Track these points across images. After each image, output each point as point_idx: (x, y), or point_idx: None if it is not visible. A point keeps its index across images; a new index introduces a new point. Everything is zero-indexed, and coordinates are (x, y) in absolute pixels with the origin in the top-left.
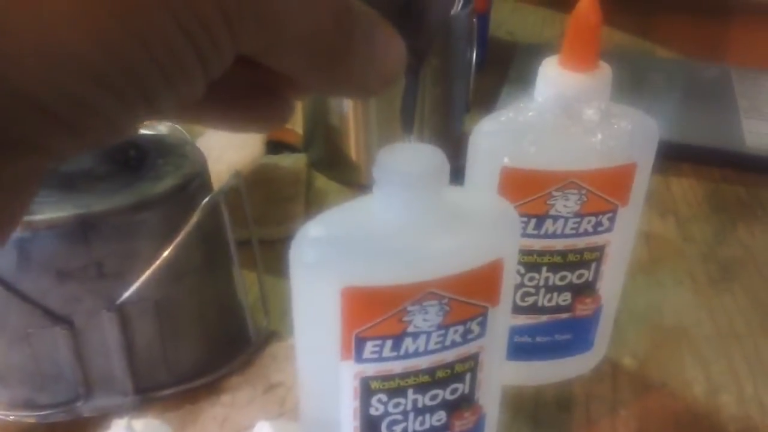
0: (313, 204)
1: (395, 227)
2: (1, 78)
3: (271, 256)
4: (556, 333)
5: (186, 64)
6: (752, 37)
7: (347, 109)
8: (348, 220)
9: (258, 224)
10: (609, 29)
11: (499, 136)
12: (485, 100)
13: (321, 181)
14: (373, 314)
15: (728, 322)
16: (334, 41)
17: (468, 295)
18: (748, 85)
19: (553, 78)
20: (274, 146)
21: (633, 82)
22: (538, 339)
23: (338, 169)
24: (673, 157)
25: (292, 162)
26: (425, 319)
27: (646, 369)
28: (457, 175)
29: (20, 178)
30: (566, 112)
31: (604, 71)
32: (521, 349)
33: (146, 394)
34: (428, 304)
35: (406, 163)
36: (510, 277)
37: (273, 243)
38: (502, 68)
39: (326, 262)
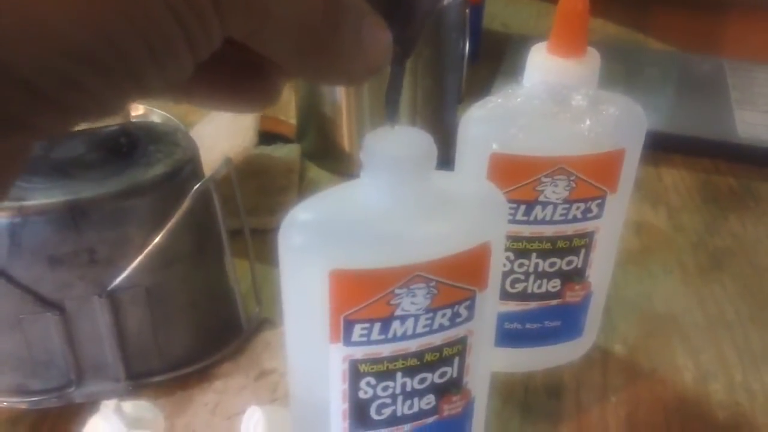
0: (306, 194)
1: (383, 211)
2: None
3: (264, 245)
4: (545, 319)
5: (174, 44)
6: (746, 29)
7: (340, 99)
8: (336, 204)
9: (251, 214)
10: (604, 21)
11: (488, 123)
12: (478, 91)
13: (314, 171)
14: (361, 297)
15: (718, 311)
16: (321, 30)
17: (455, 279)
18: (741, 76)
19: (542, 64)
20: (268, 137)
21: (627, 74)
22: (528, 326)
23: (331, 159)
24: (666, 147)
25: (286, 152)
26: (413, 302)
27: (636, 356)
28: (449, 165)
29: (7, 154)
30: (554, 98)
31: (592, 57)
32: (511, 335)
33: (138, 380)
34: (416, 287)
35: (393, 146)
36: (498, 261)
37: (266, 232)
38: (496, 60)
39: (314, 246)
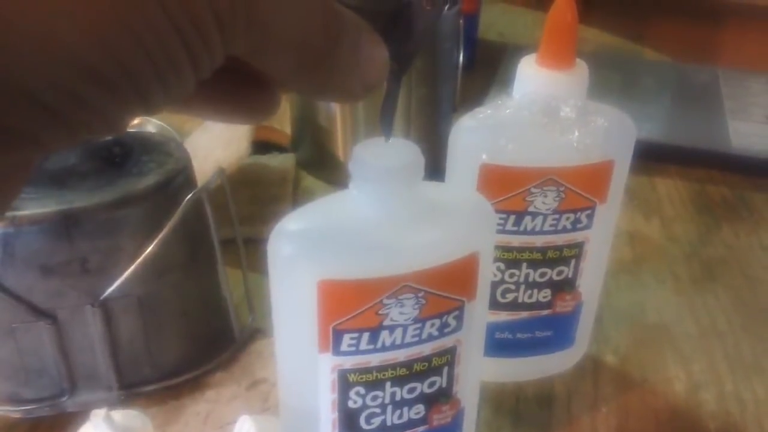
0: (300, 203)
1: (371, 221)
2: (1, 73)
3: (258, 254)
4: (536, 329)
5: (179, 62)
6: (741, 39)
7: (335, 109)
8: (325, 214)
9: (245, 223)
10: (600, 31)
11: (478, 133)
12: (473, 100)
13: (308, 180)
14: (350, 307)
15: (710, 321)
16: (321, 48)
17: (444, 289)
18: (735, 86)
19: (531, 76)
20: (263, 146)
21: (623, 84)
22: (519, 335)
23: (326, 168)
24: (660, 157)
25: (280, 162)
26: (401, 312)
27: (628, 366)
28: (443, 174)
29: (11, 168)
30: (544, 109)
31: (581, 69)
32: (502, 345)
33: (130, 390)
34: (404, 297)
35: (381, 157)
36: (486, 271)
37: (260, 242)
38: (491, 69)
39: (303, 255)
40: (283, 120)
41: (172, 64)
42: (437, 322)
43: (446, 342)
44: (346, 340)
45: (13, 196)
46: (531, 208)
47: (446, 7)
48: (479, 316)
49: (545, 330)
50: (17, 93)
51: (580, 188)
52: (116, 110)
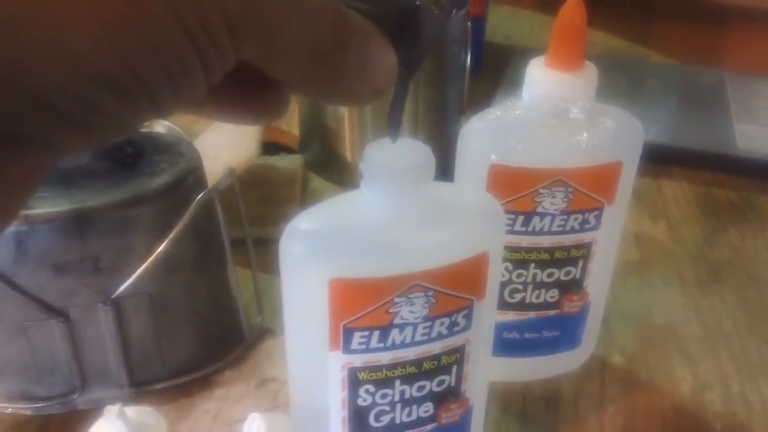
0: (308, 204)
1: (382, 221)
2: (17, 79)
3: (267, 254)
4: (543, 329)
5: (190, 68)
6: (747, 42)
7: (343, 110)
8: (336, 213)
9: (254, 224)
10: (606, 34)
11: (487, 134)
12: (480, 103)
13: (316, 181)
14: (361, 305)
15: (716, 323)
16: (330, 53)
17: (454, 288)
18: (741, 89)
19: (540, 77)
20: (271, 147)
21: (628, 87)
22: (526, 335)
23: (334, 170)
24: (666, 159)
25: (288, 163)
26: (412, 310)
27: (634, 367)
28: (449, 176)
29: (25, 172)
30: (552, 111)
31: (590, 71)
32: (509, 345)
33: (141, 388)
34: (415, 296)
35: (392, 158)
36: (495, 270)
37: (268, 242)
38: (498, 72)
39: (315, 254)
40: (291, 121)
41: (183, 69)
42: (447, 320)
43: (455, 341)
44: (357, 338)
45: (26, 199)
46: (539, 209)
47: (454, 11)
48: (488, 315)
49: (552, 330)
50: (31, 99)
51: (589, 189)
52: (128, 114)
